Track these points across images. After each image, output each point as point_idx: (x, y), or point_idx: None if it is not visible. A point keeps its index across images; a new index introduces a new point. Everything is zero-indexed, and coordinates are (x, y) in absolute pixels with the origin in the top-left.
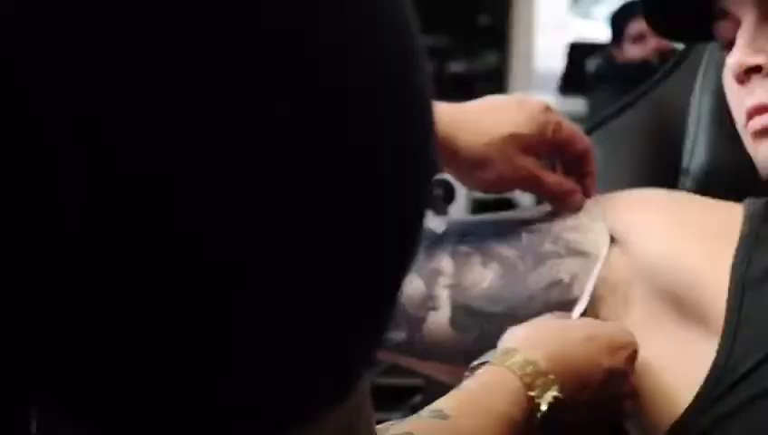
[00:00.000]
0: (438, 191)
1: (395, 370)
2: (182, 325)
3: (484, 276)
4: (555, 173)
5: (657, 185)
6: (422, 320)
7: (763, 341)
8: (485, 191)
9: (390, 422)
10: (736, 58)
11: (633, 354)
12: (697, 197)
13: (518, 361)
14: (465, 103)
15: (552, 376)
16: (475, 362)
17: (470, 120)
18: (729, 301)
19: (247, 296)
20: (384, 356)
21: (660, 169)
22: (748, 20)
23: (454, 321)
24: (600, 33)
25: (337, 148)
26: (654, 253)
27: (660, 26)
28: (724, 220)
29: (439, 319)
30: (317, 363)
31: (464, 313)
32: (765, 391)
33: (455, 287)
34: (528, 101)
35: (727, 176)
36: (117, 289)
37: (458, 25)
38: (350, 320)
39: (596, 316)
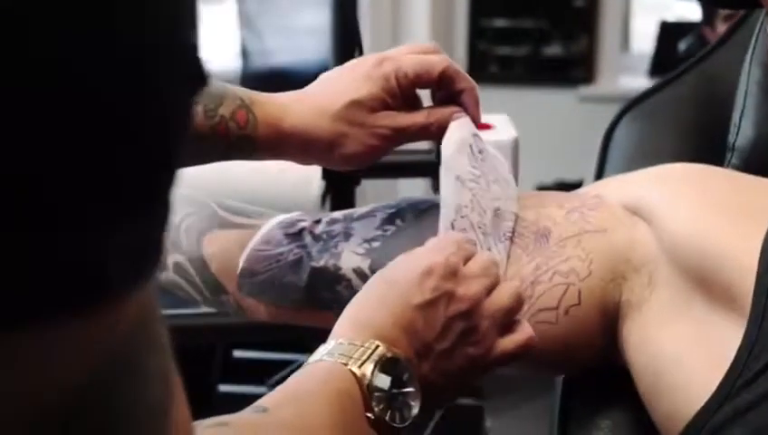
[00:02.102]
0: None
1: None
2: None
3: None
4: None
5: (702, 161)
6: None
7: None
8: (359, 166)
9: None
10: None
11: (450, 272)
12: (733, 173)
13: (331, 344)
14: (299, 90)
15: (369, 344)
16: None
17: (308, 106)
18: (757, 284)
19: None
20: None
21: (706, 144)
22: None
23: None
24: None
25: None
26: (680, 232)
27: None
28: (758, 199)
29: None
30: (98, 242)
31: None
32: None
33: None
34: (361, 61)
35: None
36: None
37: (554, 8)
38: (124, 200)
39: (618, 299)
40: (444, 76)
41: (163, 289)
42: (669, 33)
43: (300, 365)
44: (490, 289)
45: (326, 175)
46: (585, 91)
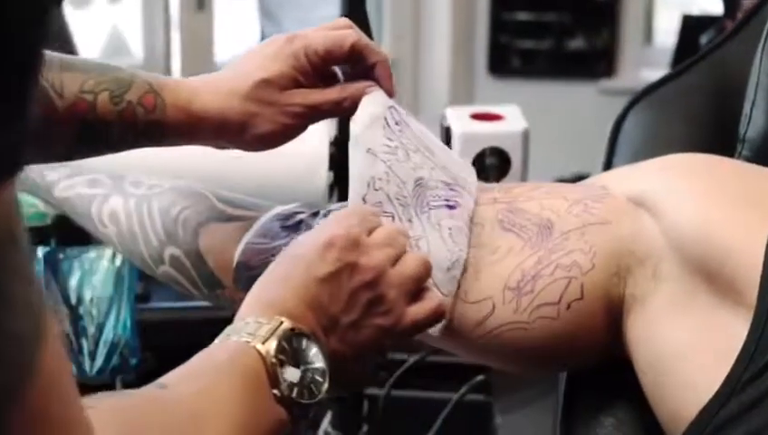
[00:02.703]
0: (493, 160)
1: None
2: None
3: None
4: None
5: (713, 152)
6: None
7: None
8: (274, 146)
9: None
10: None
11: (352, 243)
12: (741, 163)
13: (237, 324)
14: (211, 74)
15: (274, 321)
16: None
17: (218, 88)
18: (763, 277)
19: None
20: None
21: (717, 135)
22: None
23: None
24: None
25: None
26: (685, 224)
27: None
28: (766, 190)
29: None
30: None
31: None
32: None
33: None
34: (272, 40)
35: None
36: None
37: (577, 2)
38: None
39: (621, 293)
40: (354, 50)
41: (162, 282)
42: (691, 26)
43: None
44: (395, 259)
45: (334, 166)
46: (606, 84)
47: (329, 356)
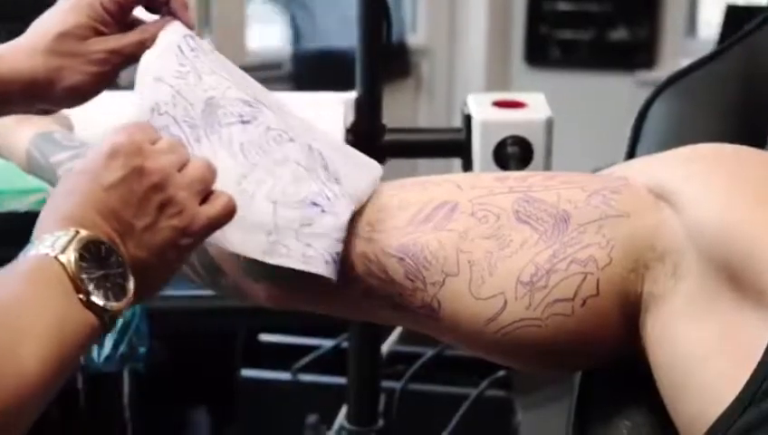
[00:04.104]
0: (515, 149)
1: None
2: None
3: None
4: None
5: (742, 144)
6: None
7: None
8: (88, 98)
9: None
10: None
11: (136, 149)
12: None
13: (33, 244)
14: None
15: (69, 232)
16: None
17: (19, 49)
18: None
19: None
20: None
21: (747, 126)
22: None
23: None
24: None
25: None
26: (708, 220)
27: None
28: None
29: None
30: None
31: None
32: None
33: None
34: None
35: None
36: None
37: None
38: None
39: (639, 290)
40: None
41: None
42: (736, 17)
43: (326, 350)
44: (180, 165)
45: None
46: (644, 75)
47: (129, 262)
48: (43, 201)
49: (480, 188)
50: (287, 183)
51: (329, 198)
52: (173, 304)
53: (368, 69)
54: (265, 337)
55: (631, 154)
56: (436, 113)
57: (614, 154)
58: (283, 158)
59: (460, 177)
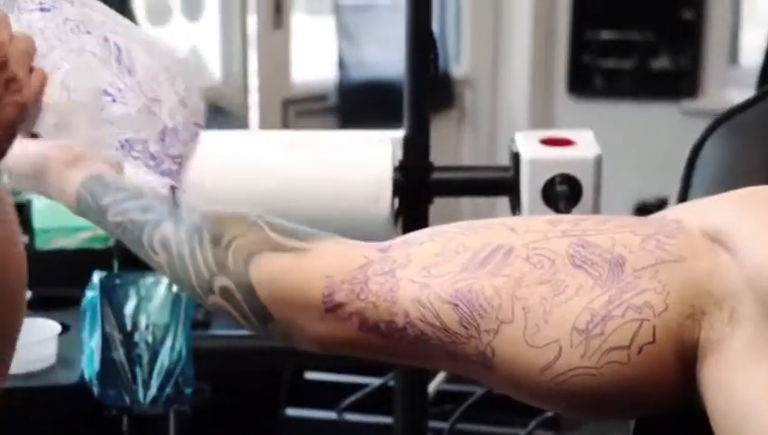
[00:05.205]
0: (564, 187)
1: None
2: None
3: None
4: None
5: None
6: None
7: None
8: None
9: None
10: None
11: None
12: None
13: None
14: None
15: None
16: None
17: None
18: None
19: None
20: None
21: None
22: None
23: None
24: None
25: None
26: (764, 261)
27: None
28: None
29: None
30: None
31: None
32: None
33: None
34: None
35: None
36: None
37: (661, 20)
38: None
39: (696, 337)
40: None
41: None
42: None
43: (373, 388)
44: (9, 39)
45: (398, 192)
46: (689, 105)
47: None
48: (93, 239)
49: (534, 232)
50: (81, 70)
51: (120, 89)
52: (218, 344)
53: (415, 108)
54: (310, 375)
55: (684, 193)
56: (479, 144)
57: (660, 184)
58: (79, 48)
59: (512, 220)
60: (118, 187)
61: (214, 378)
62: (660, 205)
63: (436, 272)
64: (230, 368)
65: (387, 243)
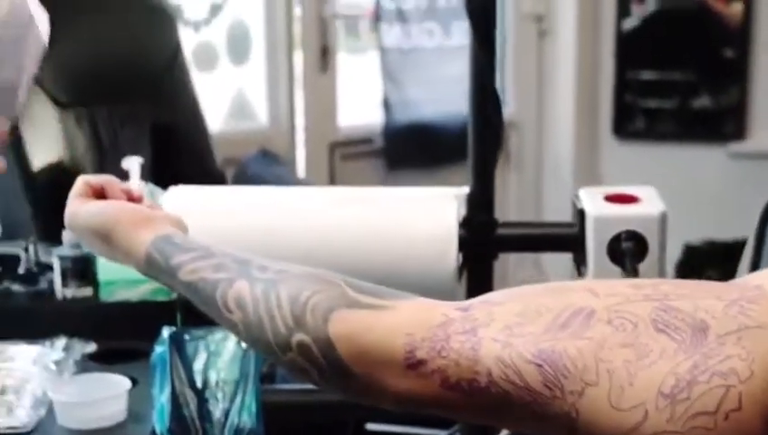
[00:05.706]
0: (629, 244)
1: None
2: None
3: None
4: None
5: None
6: None
7: None
8: None
9: None
10: None
11: None
12: None
13: None
14: None
15: None
16: None
17: None
18: None
19: None
20: None
21: None
22: None
23: None
24: None
25: None
26: None
27: None
28: None
29: None
30: None
31: None
32: None
33: None
34: None
35: None
36: None
37: (703, 59)
38: None
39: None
40: None
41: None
42: None
43: None
44: None
45: (463, 247)
46: (736, 147)
47: None
48: (156, 291)
49: (615, 295)
50: None
51: None
52: (283, 398)
53: (481, 164)
54: (372, 426)
55: (757, 256)
56: (524, 186)
57: (711, 228)
58: None
59: (593, 283)
60: (188, 246)
61: (279, 431)
62: (709, 248)
63: (519, 332)
64: (294, 421)
65: (466, 302)
